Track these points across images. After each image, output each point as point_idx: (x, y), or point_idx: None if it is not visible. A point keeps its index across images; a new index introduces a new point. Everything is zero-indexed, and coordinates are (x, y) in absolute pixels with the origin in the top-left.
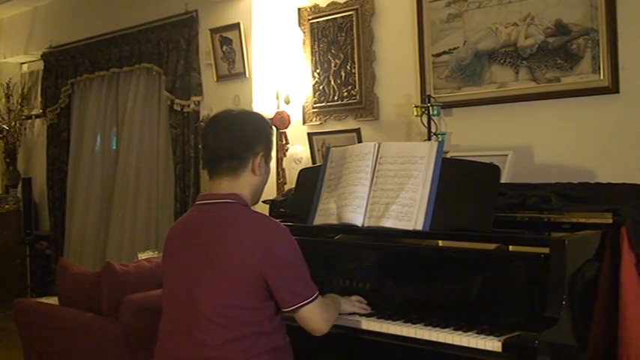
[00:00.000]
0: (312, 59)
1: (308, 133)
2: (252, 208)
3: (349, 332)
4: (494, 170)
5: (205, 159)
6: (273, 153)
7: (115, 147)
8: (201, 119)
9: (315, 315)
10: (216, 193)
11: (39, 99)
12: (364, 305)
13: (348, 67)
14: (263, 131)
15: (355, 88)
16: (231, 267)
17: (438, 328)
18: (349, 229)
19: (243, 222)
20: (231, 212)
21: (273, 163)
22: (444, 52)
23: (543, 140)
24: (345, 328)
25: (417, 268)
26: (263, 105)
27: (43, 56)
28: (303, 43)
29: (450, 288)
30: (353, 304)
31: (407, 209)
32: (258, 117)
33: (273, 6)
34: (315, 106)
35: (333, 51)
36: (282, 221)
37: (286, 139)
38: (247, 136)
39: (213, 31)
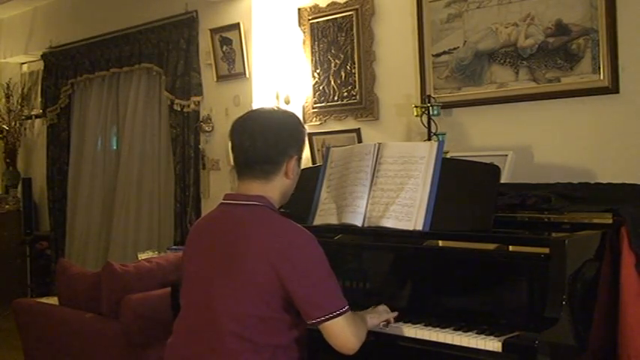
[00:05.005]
0: (312, 59)
1: (308, 133)
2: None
3: None
4: (494, 170)
5: (238, 161)
6: None
7: (115, 147)
8: (201, 119)
9: (343, 331)
10: (244, 194)
11: (39, 99)
12: (391, 313)
13: (348, 67)
14: (298, 133)
15: (355, 88)
16: (250, 273)
17: (437, 328)
18: (349, 229)
19: (266, 226)
20: (255, 216)
21: None
22: (444, 52)
23: (543, 140)
24: None
25: (417, 269)
26: (263, 105)
27: (43, 56)
28: (303, 43)
29: (449, 288)
30: (380, 313)
31: (407, 209)
32: (293, 118)
33: (273, 6)
34: (315, 106)
35: (333, 51)
36: None
37: None
38: (282, 139)
39: (213, 31)
